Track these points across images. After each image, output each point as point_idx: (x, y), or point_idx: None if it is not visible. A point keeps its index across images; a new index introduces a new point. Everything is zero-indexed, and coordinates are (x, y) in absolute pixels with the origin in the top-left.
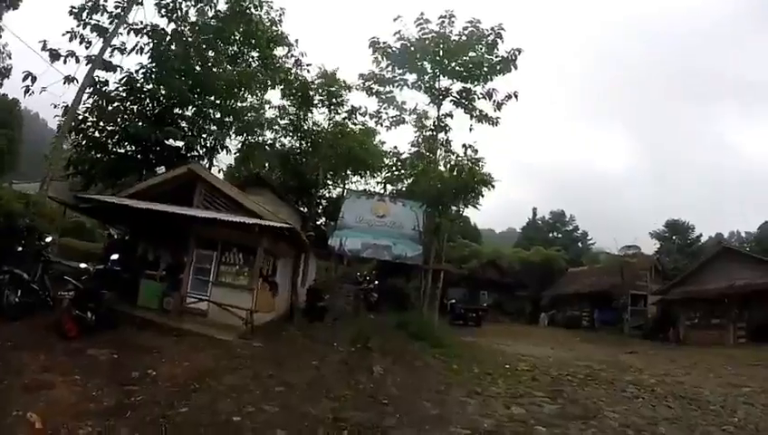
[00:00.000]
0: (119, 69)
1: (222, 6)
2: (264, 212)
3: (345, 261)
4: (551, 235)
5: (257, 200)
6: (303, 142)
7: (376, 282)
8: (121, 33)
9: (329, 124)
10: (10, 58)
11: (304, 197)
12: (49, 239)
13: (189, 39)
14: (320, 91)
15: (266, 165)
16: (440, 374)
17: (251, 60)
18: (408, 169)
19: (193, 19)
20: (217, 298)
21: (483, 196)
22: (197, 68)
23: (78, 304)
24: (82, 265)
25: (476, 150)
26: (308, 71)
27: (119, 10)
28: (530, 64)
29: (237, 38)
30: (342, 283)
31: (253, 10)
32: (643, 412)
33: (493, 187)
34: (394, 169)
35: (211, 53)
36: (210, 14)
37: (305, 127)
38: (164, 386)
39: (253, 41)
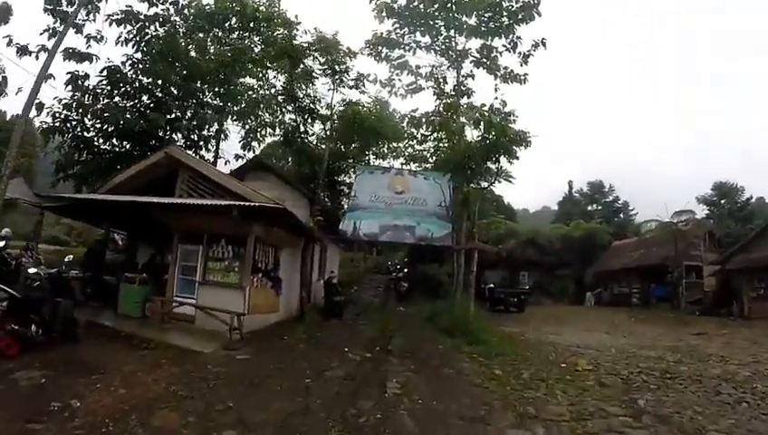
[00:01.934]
0: (95, 58)
1: None
2: (253, 196)
3: (375, 249)
4: (589, 208)
5: (259, 186)
6: (300, 116)
7: (405, 270)
8: (92, 21)
9: (331, 94)
10: None
11: (314, 180)
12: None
13: (176, 23)
14: (318, 57)
15: (271, 149)
16: (478, 386)
17: (251, 44)
18: (429, 130)
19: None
20: (205, 300)
21: (517, 158)
22: (190, 53)
23: (15, 316)
24: (31, 270)
25: (505, 103)
26: (299, 33)
27: None
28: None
29: (234, 23)
30: (373, 273)
31: None
32: (759, 427)
33: (528, 144)
34: (414, 135)
35: (204, 36)
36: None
37: (300, 96)
38: (74, 425)
39: (251, 24)
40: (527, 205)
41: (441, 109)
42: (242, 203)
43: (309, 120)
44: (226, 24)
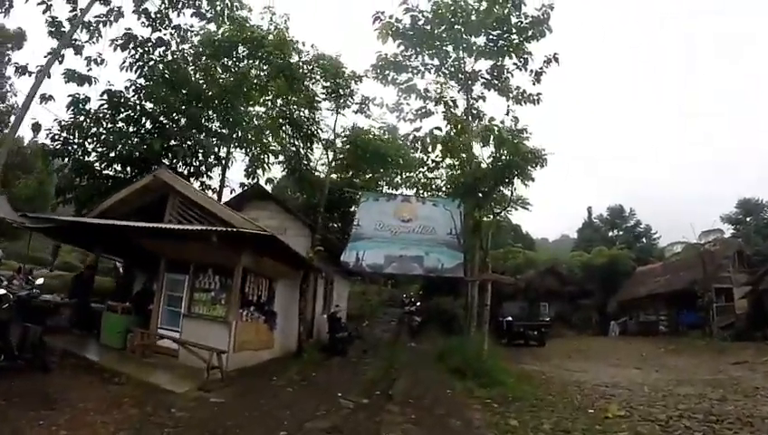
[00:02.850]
0: (94, 80)
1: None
2: (242, 223)
3: (389, 282)
4: (610, 233)
5: (259, 215)
6: (301, 141)
7: (418, 303)
8: (94, 43)
9: (334, 118)
10: None
11: (315, 209)
12: None
13: (182, 48)
14: (319, 79)
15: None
16: None
17: (257, 70)
18: (436, 152)
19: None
20: (189, 334)
21: (532, 179)
22: (194, 79)
23: None
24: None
25: (516, 119)
26: (296, 52)
27: (76, 12)
28: (566, 29)
29: (241, 51)
30: (387, 307)
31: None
32: None
33: (544, 163)
34: (424, 161)
35: (209, 63)
36: (212, 28)
37: (299, 120)
38: None
39: (259, 52)
40: (546, 234)
41: (447, 126)
42: (221, 229)
43: (309, 146)
44: (234, 53)
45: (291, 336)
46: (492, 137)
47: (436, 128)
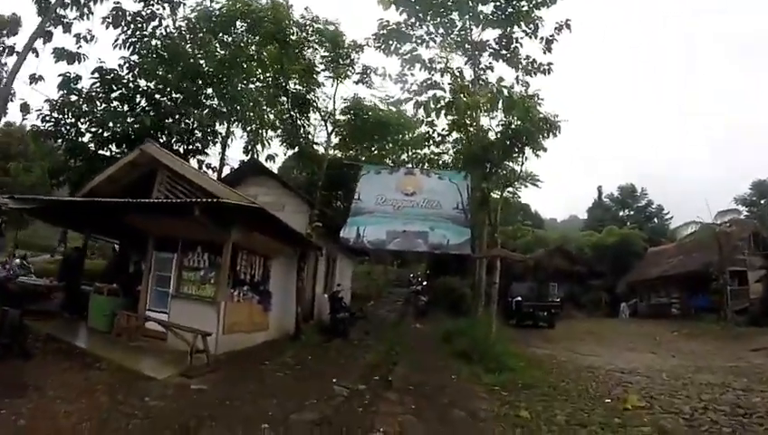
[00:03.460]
0: (83, 57)
1: None
2: (230, 197)
3: (396, 261)
4: (621, 213)
5: (257, 192)
6: (297, 111)
7: (425, 283)
8: (84, 19)
9: (333, 88)
10: None
11: (315, 185)
12: None
13: (176, 22)
14: (315, 44)
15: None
16: None
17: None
18: (440, 111)
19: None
20: (178, 316)
21: (544, 149)
22: (190, 54)
23: None
24: None
25: (528, 84)
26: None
27: None
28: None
29: (240, 27)
30: (394, 286)
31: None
32: None
33: (557, 131)
34: (430, 135)
35: (206, 37)
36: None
37: (294, 89)
38: None
39: (257, 27)
40: (555, 214)
41: (452, 90)
42: (201, 200)
43: (306, 116)
44: (231, 29)
45: (288, 318)
46: (500, 100)
47: (439, 88)
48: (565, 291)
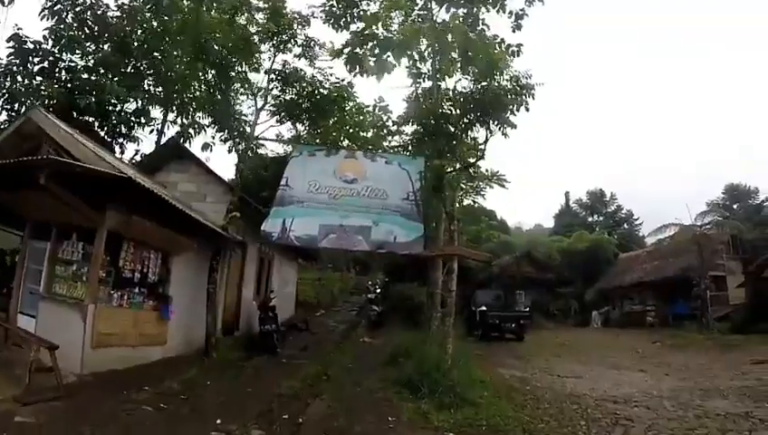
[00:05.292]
0: None
1: None
2: (99, 163)
3: (353, 265)
4: (590, 219)
5: (178, 178)
6: (223, 83)
7: (378, 290)
8: None
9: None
10: None
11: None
12: None
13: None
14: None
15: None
16: None
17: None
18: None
19: None
20: (46, 322)
21: (513, 126)
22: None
23: None
24: None
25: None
26: None
27: None
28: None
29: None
30: (351, 294)
31: None
32: None
33: (531, 96)
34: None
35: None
36: None
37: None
38: None
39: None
40: (520, 223)
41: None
42: (43, 157)
43: (232, 88)
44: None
45: (199, 329)
46: (454, 42)
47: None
48: (533, 299)
